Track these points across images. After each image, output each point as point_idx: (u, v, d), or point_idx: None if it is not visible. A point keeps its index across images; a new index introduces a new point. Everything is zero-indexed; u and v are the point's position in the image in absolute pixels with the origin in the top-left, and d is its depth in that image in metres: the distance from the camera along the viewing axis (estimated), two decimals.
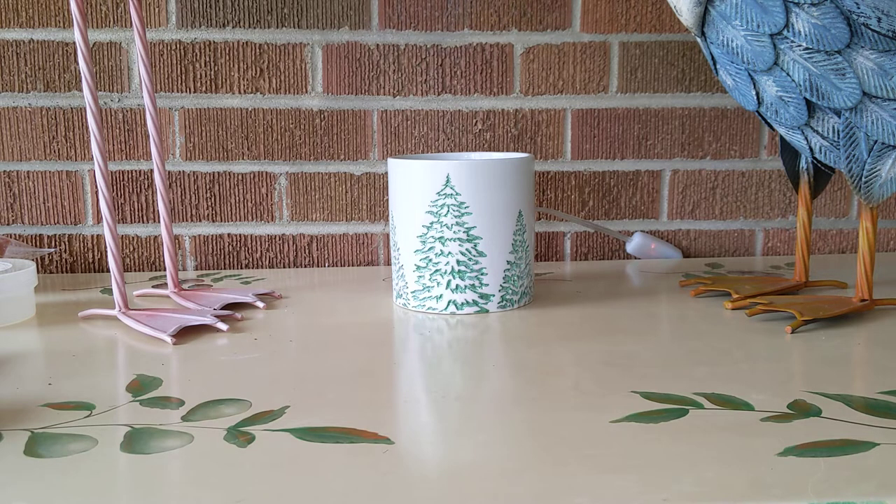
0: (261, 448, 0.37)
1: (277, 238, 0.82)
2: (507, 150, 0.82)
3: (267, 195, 0.81)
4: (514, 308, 0.62)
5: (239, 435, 0.39)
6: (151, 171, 0.80)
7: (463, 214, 0.60)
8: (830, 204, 0.86)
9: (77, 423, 0.41)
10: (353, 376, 0.47)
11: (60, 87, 0.78)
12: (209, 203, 0.81)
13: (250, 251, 0.82)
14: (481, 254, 0.60)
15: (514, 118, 0.82)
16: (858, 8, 0.50)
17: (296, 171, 0.81)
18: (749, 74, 0.55)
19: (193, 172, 0.80)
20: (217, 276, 0.77)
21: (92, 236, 0.81)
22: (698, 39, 0.58)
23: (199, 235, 0.82)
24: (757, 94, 0.56)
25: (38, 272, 0.80)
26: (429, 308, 0.61)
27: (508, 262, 0.61)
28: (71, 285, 0.73)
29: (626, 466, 0.35)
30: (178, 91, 0.79)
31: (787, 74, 0.54)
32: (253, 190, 0.81)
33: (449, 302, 0.61)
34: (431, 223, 0.60)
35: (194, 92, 0.79)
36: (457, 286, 0.60)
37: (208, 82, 0.79)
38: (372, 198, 0.82)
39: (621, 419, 0.40)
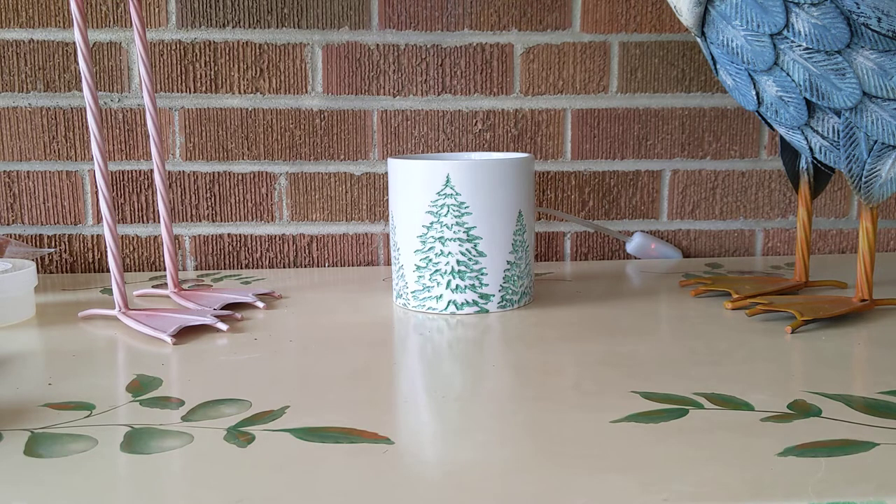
0: (261, 448, 0.37)
1: (277, 238, 0.82)
2: (507, 150, 0.82)
3: (267, 195, 0.81)
4: (514, 308, 0.62)
5: (239, 435, 0.39)
6: (151, 171, 0.80)
7: (463, 214, 0.60)
8: (830, 204, 0.86)
9: (77, 423, 0.41)
10: (353, 376, 0.47)
11: (60, 87, 0.78)
12: (209, 203, 0.81)
13: (250, 251, 0.82)
14: (481, 254, 0.60)
15: (514, 118, 0.82)
16: (858, 8, 0.50)
17: (296, 171, 0.81)
18: (749, 74, 0.55)
19: (193, 172, 0.80)
20: (217, 276, 0.77)
21: (92, 236, 0.81)
22: (698, 39, 0.58)
23: (199, 235, 0.82)
24: (757, 94, 0.56)
25: (38, 272, 0.80)
26: (429, 308, 0.61)
27: (508, 262, 0.61)
28: (71, 285, 0.73)
29: (626, 466, 0.35)
30: (178, 91, 0.79)
31: (787, 74, 0.54)
32: (253, 190, 0.81)
33: (449, 302, 0.61)
34: (431, 223, 0.60)
35: (194, 92, 0.79)
36: (457, 286, 0.60)
37: (208, 82, 0.79)
38: (372, 198, 0.82)
39: (621, 419, 0.40)
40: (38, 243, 0.80)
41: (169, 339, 0.54)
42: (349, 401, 0.43)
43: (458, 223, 0.60)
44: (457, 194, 0.59)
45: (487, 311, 0.61)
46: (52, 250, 0.77)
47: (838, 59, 0.52)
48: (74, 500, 0.33)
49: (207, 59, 0.79)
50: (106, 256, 0.81)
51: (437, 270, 0.60)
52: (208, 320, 0.58)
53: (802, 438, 0.38)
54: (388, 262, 0.84)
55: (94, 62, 0.78)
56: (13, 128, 0.79)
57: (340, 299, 0.67)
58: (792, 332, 0.55)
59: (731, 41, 0.54)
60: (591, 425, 0.40)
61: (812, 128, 0.56)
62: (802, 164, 0.64)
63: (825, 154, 0.56)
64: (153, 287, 0.70)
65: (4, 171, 0.79)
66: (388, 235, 0.83)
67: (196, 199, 0.81)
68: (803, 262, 0.66)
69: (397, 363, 0.50)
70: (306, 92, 0.80)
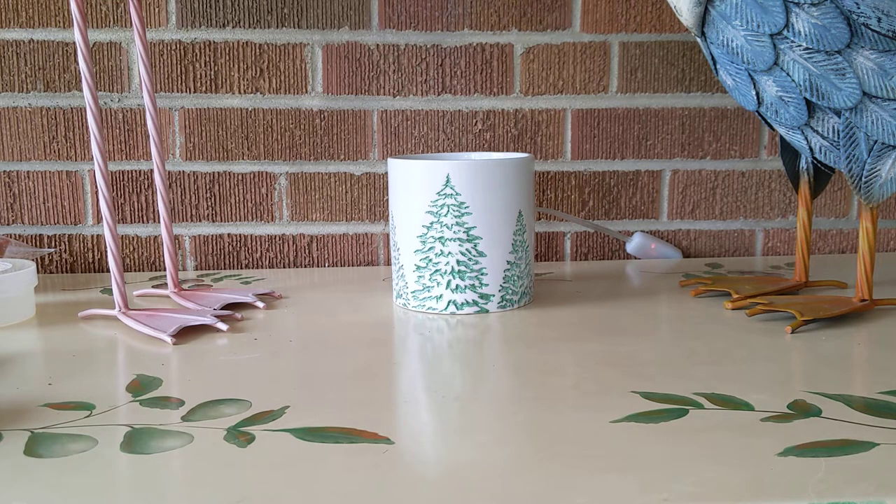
0: (261, 448, 0.37)
1: (277, 238, 0.82)
2: (507, 150, 0.82)
3: (267, 195, 0.81)
4: (514, 308, 0.62)
5: (239, 435, 0.39)
6: (151, 171, 0.80)
7: (463, 214, 0.60)
8: (830, 204, 0.86)
9: (77, 423, 0.41)
10: (353, 376, 0.47)
11: (60, 87, 0.78)
12: (209, 203, 0.81)
13: (250, 251, 0.82)
14: (481, 254, 0.60)
15: (514, 118, 0.82)
16: (858, 8, 0.50)
17: (296, 171, 0.81)
18: (749, 74, 0.55)
19: (193, 172, 0.80)
20: (217, 276, 0.77)
21: (92, 236, 0.81)
22: (698, 39, 0.58)
23: (199, 235, 0.82)
24: (757, 94, 0.56)
25: (38, 272, 0.80)
26: (429, 308, 0.61)
27: (508, 262, 0.61)
28: (71, 285, 0.73)
29: (626, 466, 0.35)
30: (178, 91, 0.79)
31: (787, 74, 0.54)
32: (253, 190, 0.81)
33: (449, 302, 0.61)
34: (431, 223, 0.60)
35: (194, 92, 0.79)
36: (457, 286, 0.60)
37: (208, 82, 0.79)
38: (372, 198, 0.82)
39: (621, 419, 0.40)
40: (38, 243, 0.80)
41: (169, 339, 0.54)
42: (349, 401, 0.43)
43: (458, 223, 0.60)
44: (457, 194, 0.59)
45: (487, 311, 0.61)
46: (52, 250, 0.77)
47: (838, 59, 0.52)
48: (74, 500, 0.33)
49: (207, 59, 0.79)
50: (106, 256, 0.81)
51: (437, 270, 0.60)
52: (208, 320, 0.58)
53: (802, 438, 0.38)
54: (388, 262, 0.84)
55: (94, 62, 0.78)
56: (13, 128, 0.79)
57: (340, 299, 0.67)
58: (792, 332, 0.55)
59: (731, 41, 0.54)
60: (591, 425, 0.40)
61: (812, 128, 0.56)
62: (802, 164, 0.64)
63: (825, 154, 0.56)
64: (153, 287, 0.70)
65: (4, 171, 0.79)
66: (388, 235, 0.83)
67: (196, 199, 0.81)
68: (803, 262, 0.66)
69: (397, 363, 0.50)
70: (306, 92, 0.80)
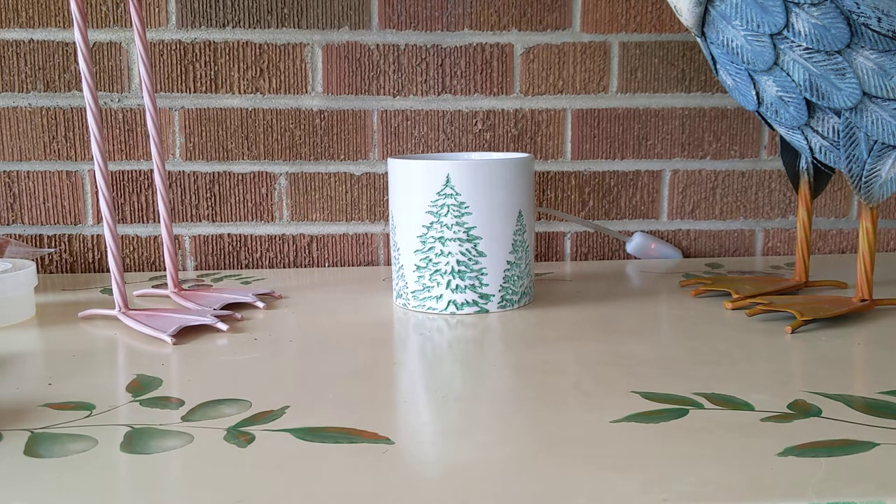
0: (261, 448, 0.37)
1: (277, 238, 0.82)
2: (507, 150, 0.82)
3: (267, 195, 0.81)
4: (514, 308, 0.62)
5: (239, 435, 0.39)
6: (151, 171, 0.80)
7: (463, 214, 0.60)
8: (830, 204, 0.86)
9: (77, 423, 0.41)
10: (353, 376, 0.47)
11: (60, 87, 0.78)
12: (209, 203, 0.81)
13: (250, 251, 0.82)
14: (481, 254, 0.60)
15: (514, 118, 0.82)
16: (858, 8, 0.50)
17: (296, 171, 0.81)
18: (749, 74, 0.55)
19: (193, 172, 0.80)
20: (217, 276, 0.77)
21: (92, 236, 0.81)
22: (698, 39, 0.58)
23: (199, 235, 0.82)
24: (757, 94, 0.56)
25: (38, 272, 0.80)
26: (429, 308, 0.61)
27: (508, 262, 0.61)
28: (71, 285, 0.73)
29: (626, 466, 0.35)
30: (178, 91, 0.79)
31: (787, 74, 0.54)
32: (253, 190, 0.81)
33: (449, 302, 0.61)
34: (431, 223, 0.60)
35: (194, 92, 0.79)
36: (457, 286, 0.60)
37: (208, 82, 0.79)
38: (372, 198, 0.82)
39: (621, 419, 0.40)
40: (38, 243, 0.80)
41: (169, 339, 0.54)
42: (349, 401, 0.43)
43: (458, 223, 0.60)
44: (457, 194, 0.59)
45: (487, 311, 0.61)
46: (52, 250, 0.77)
47: (838, 59, 0.52)
48: (74, 500, 0.33)
49: (207, 59, 0.79)
50: (106, 256, 0.81)
51: (437, 270, 0.60)
52: (208, 320, 0.58)
53: (802, 438, 0.38)
54: (388, 262, 0.84)
55: (94, 62, 0.78)
56: (13, 128, 0.79)
57: (340, 299, 0.67)
58: (792, 332, 0.55)
59: (731, 41, 0.54)
60: (591, 425, 0.40)
61: (812, 128, 0.56)
62: (802, 164, 0.64)
63: (825, 154, 0.56)
64: (153, 287, 0.70)
65: (4, 171, 0.79)
66: (388, 235, 0.83)
67: (196, 199, 0.81)
68: (803, 262, 0.66)
69: (397, 363, 0.50)
70: (306, 92, 0.80)
